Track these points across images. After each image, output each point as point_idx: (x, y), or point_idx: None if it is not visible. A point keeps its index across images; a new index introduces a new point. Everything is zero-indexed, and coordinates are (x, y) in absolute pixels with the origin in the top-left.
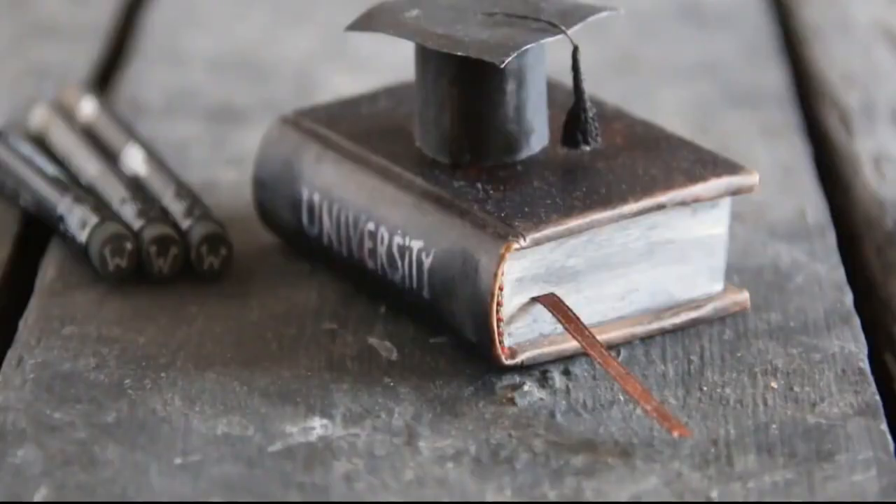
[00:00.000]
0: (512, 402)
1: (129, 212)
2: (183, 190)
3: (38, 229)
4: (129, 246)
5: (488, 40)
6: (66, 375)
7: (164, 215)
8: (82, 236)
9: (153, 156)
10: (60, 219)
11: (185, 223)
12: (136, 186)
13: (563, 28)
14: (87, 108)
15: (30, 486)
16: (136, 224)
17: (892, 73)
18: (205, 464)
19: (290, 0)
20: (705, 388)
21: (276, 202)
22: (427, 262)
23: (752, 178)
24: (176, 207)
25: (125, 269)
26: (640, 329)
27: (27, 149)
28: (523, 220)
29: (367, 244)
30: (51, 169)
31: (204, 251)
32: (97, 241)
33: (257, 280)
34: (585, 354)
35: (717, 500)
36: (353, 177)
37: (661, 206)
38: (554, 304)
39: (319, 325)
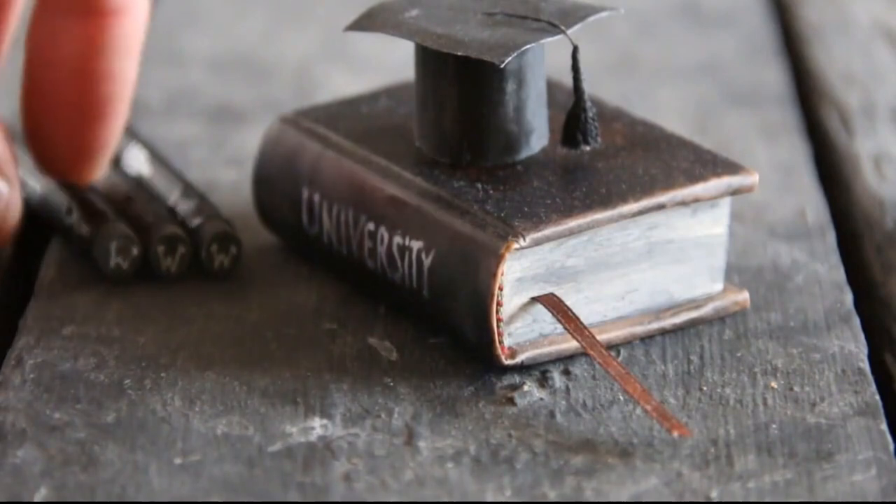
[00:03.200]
0: (512, 402)
1: (133, 212)
2: (190, 189)
3: (39, 229)
4: (134, 250)
5: (488, 40)
6: (66, 375)
7: (171, 215)
8: (86, 231)
9: (156, 155)
10: (69, 211)
11: (193, 222)
12: (139, 186)
13: (563, 28)
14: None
15: (30, 486)
16: (143, 223)
17: (892, 73)
18: (205, 464)
19: (290, 0)
20: (705, 388)
21: (276, 202)
22: (427, 262)
23: (752, 178)
24: (184, 207)
25: (125, 271)
26: (640, 329)
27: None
28: (523, 220)
29: (367, 244)
30: None
31: (214, 250)
32: (105, 236)
33: (257, 280)
34: (585, 354)
35: (717, 500)
36: (353, 177)
37: (661, 206)
38: (554, 304)
39: (319, 325)
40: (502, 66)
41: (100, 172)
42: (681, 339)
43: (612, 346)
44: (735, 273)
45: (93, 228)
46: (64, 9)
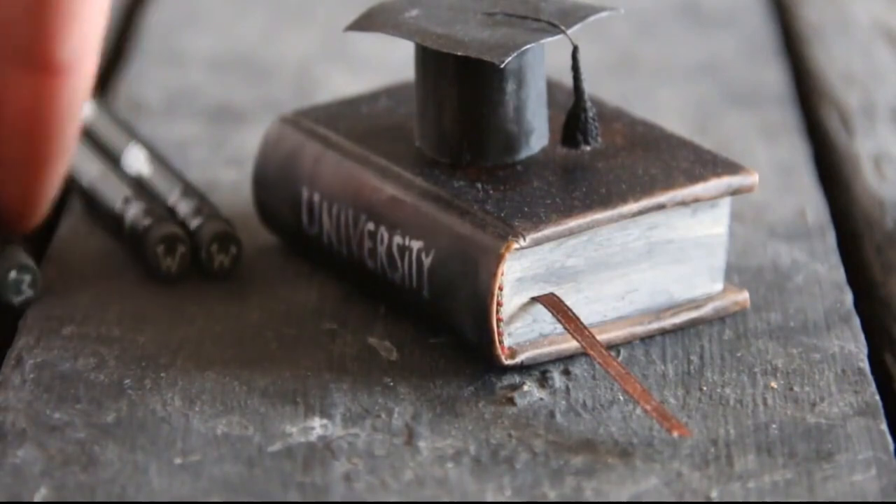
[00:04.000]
0: (512, 402)
1: (133, 211)
2: (190, 189)
3: (38, 229)
4: (29, 278)
5: (488, 40)
6: (66, 375)
7: (171, 215)
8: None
9: (156, 155)
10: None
11: (193, 222)
12: (139, 186)
13: (563, 28)
14: (87, 108)
15: (30, 486)
16: (143, 223)
17: (892, 73)
18: (205, 464)
19: (290, 0)
20: (705, 388)
21: (276, 202)
22: (427, 262)
23: (752, 178)
24: (184, 206)
25: (33, 297)
26: (640, 329)
27: None
28: (523, 220)
29: (367, 244)
30: None
31: (214, 250)
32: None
33: (257, 280)
34: (585, 354)
35: (717, 500)
36: (353, 177)
37: (661, 206)
38: (554, 304)
39: (319, 325)
40: (502, 66)
41: (38, 222)
42: (681, 339)
43: (612, 346)
44: (735, 273)
45: None
46: (10, 61)
